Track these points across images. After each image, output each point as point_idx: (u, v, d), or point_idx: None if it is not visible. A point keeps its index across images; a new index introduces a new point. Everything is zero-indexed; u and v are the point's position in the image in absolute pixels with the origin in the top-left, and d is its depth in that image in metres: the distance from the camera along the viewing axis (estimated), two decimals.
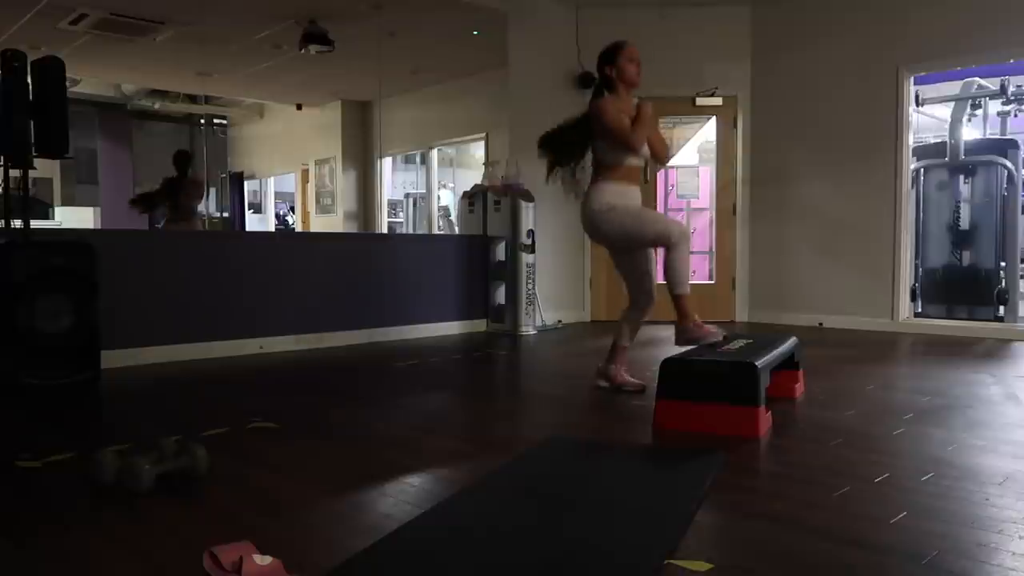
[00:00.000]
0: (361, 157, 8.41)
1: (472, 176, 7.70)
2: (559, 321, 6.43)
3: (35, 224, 3.72)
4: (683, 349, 3.16)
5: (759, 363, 2.69)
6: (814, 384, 3.60)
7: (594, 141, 3.41)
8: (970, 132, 6.60)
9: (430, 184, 8.25)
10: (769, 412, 2.78)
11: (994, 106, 6.70)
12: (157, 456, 2.13)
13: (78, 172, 7.88)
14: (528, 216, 5.86)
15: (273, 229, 9.55)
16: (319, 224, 8.79)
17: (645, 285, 3.49)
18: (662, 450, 2.59)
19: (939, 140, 6.79)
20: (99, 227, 6.94)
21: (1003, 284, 5.87)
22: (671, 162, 7.13)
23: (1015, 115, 6.89)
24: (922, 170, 6.31)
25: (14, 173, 3.64)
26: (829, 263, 6.29)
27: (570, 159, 3.50)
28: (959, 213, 6.15)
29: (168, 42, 6.51)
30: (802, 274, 6.45)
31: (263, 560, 1.54)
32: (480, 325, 6.10)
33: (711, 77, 6.64)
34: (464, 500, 1.99)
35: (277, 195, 9.93)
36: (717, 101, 6.68)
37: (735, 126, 6.75)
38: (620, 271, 3.58)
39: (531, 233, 5.87)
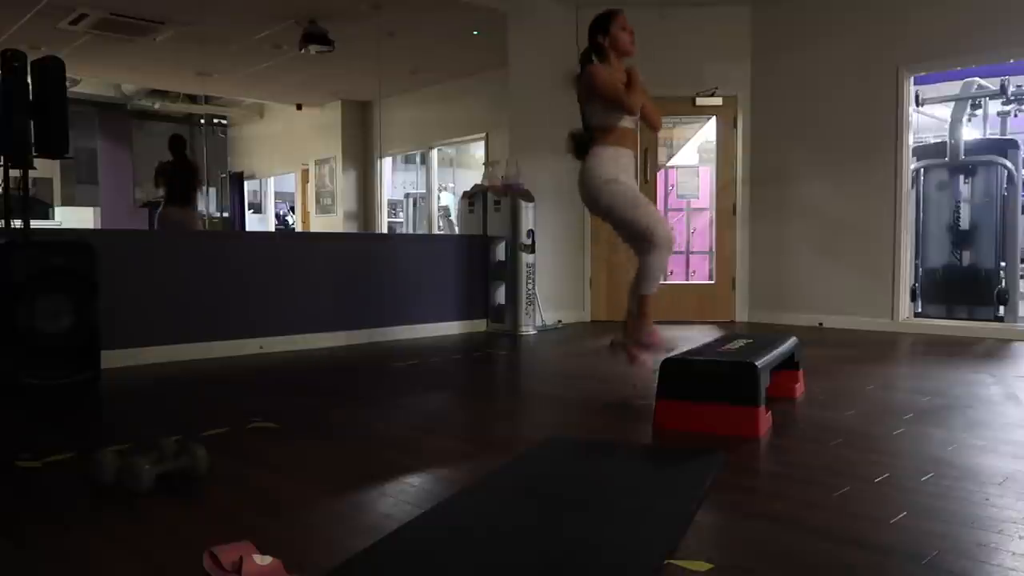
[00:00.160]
0: (361, 157, 8.41)
1: (472, 176, 7.69)
2: (559, 321, 6.43)
3: (35, 224, 3.71)
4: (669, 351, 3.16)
5: (759, 363, 2.68)
6: (814, 384, 3.59)
7: (587, 106, 3.34)
8: (970, 132, 6.60)
9: (430, 184, 8.25)
10: (769, 412, 2.78)
11: (994, 106, 6.70)
12: (157, 456, 2.13)
13: (78, 172, 7.87)
14: (528, 216, 5.86)
15: (273, 229, 9.55)
16: (319, 224, 8.78)
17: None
18: (662, 450, 2.59)
19: (939, 140, 6.79)
20: (99, 227, 6.93)
21: (1003, 284, 5.87)
22: (671, 162, 7.15)
23: (1015, 115, 6.89)
24: (922, 170, 6.31)
25: (14, 173, 3.64)
26: (829, 263, 6.29)
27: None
28: (959, 213, 6.15)
29: (168, 42, 6.50)
30: (802, 274, 6.45)
31: (263, 560, 1.54)
32: (480, 325, 6.10)
33: (711, 77, 6.64)
34: (464, 500, 1.99)
35: (277, 195, 9.93)
36: (717, 101, 6.68)
37: (735, 126, 6.74)
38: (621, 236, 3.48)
39: (531, 233, 5.87)
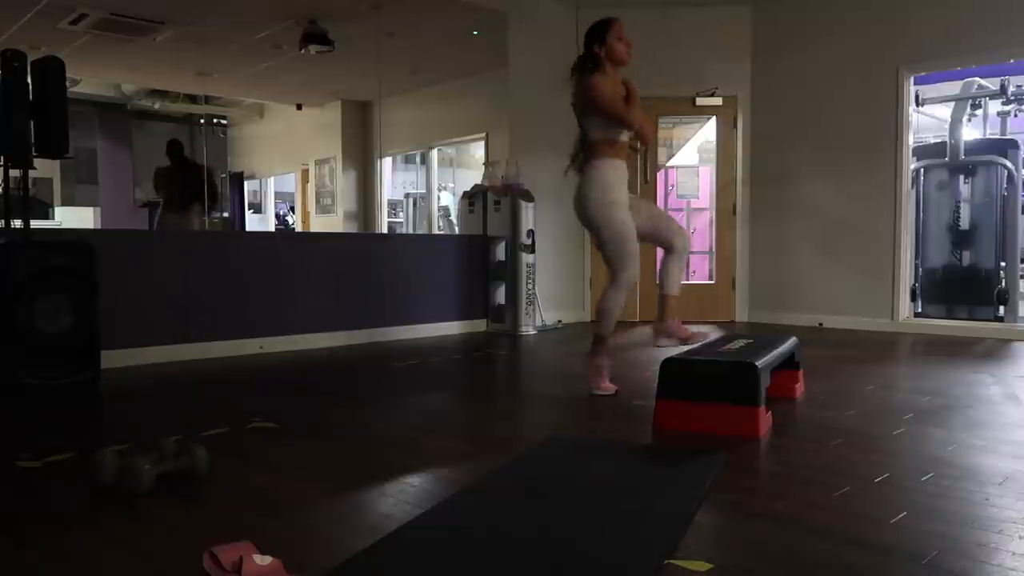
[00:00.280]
0: (361, 157, 8.41)
1: (472, 176, 7.70)
2: (559, 321, 6.43)
3: (35, 224, 3.71)
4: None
5: (759, 363, 2.68)
6: (814, 384, 3.59)
7: (585, 119, 3.33)
8: (970, 132, 6.60)
9: (430, 184, 8.25)
10: (769, 412, 2.78)
11: (994, 106, 6.70)
12: (157, 456, 2.13)
13: (78, 172, 7.87)
14: (528, 216, 5.86)
15: (273, 229, 9.55)
16: (319, 224, 8.79)
17: (667, 233, 3.42)
18: (662, 450, 2.59)
19: (939, 140, 6.79)
20: (99, 227, 6.93)
21: (1003, 284, 5.87)
22: (671, 162, 7.14)
23: (1015, 115, 6.88)
24: (922, 170, 6.31)
25: (14, 173, 3.64)
26: (829, 263, 6.29)
27: None
28: (959, 213, 6.15)
29: (168, 42, 6.50)
30: (802, 274, 6.45)
31: (263, 560, 1.54)
32: (480, 325, 6.10)
33: (711, 77, 6.64)
34: (464, 500, 1.99)
35: (277, 195, 9.94)
36: (717, 101, 6.68)
37: (735, 126, 6.75)
38: (639, 235, 3.48)
39: (531, 233, 5.87)
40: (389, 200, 8.76)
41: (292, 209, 9.89)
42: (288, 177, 9.62)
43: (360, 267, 5.41)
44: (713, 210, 6.93)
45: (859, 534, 1.76)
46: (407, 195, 9.05)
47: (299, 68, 7.30)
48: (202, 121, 8.62)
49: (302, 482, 2.23)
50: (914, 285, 6.24)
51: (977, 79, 6.37)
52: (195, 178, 6.75)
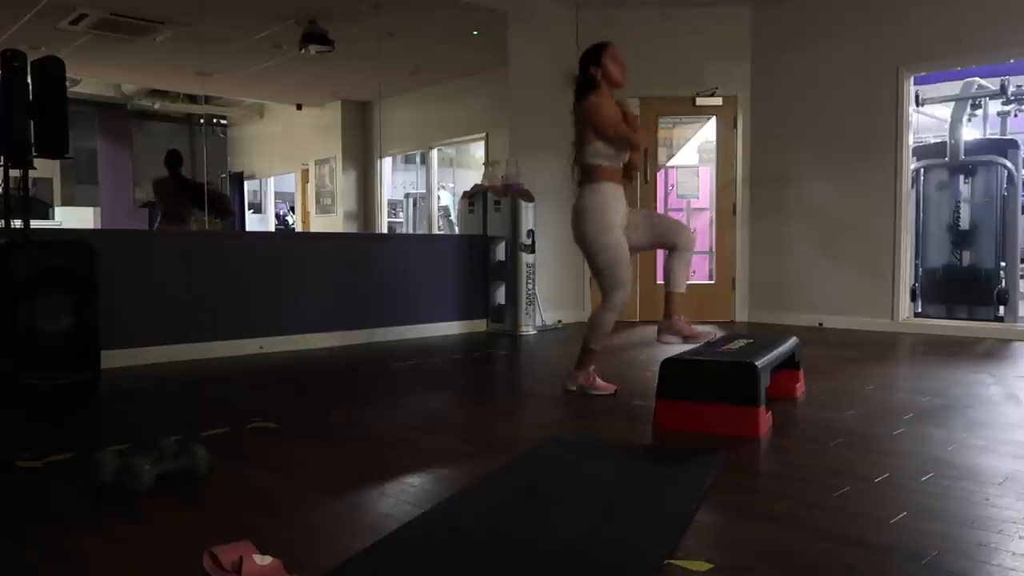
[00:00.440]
0: (361, 157, 8.41)
1: (472, 176, 7.69)
2: (559, 321, 6.43)
3: (35, 224, 3.71)
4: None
5: (759, 363, 2.68)
6: (814, 384, 3.60)
7: (585, 146, 3.31)
8: (970, 132, 6.60)
9: (430, 184, 8.25)
10: (769, 412, 2.78)
11: (994, 106, 6.70)
12: (157, 456, 2.13)
13: (78, 172, 7.87)
14: (528, 216, 5.86)
15: (273, 229, 9.55)
16: (319, 224, 8.78)
17: (668, 235, 3.44)
18: (662, 450, 2.59)
19: (939, 140, 6.79)
20: (99, 227, 6.93)
21: (1003, 284, 5.87)
22: (671, 162, 7.15)
23: (1015, 115, 6.89)
24: (922, 170, 6.31)
25: (14, 173, 3.64)
26: (829, 263, 6.29)
27: None
28: (959, 213, 6.15)
29: (168, 42, 6.50)
30: (802, 274, 6.45)
31: (263, 560, 1.54)
32: (480, 325, 6.10)
33: (711, 77, 6.64)
34: (464, 500, 1.99)
35: (277, 195, 9.93)
36: (717, 101, 6.68)
37: (735, 126, 6.74)
38: (641, 249, 3.55)
39: (531, 233, 5.87)
40: (389, 200, 8.75)
41: (292, 209, 9.88)
42: (288, 177, 9.61)
43: (360, 267, 5.41)
44: (713, 210, 6.93)
45: (859, 534, 1.76)
46: (407, 195, 9.05)
47: (299, 68, 7.29)
48: (202, 121, 8.62)
49: (302, 482, 2.23)
50: (914, 285, 6.24)
51: (977, 79, 6.37)
52: (193, 194, 6.71)
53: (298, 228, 9.46)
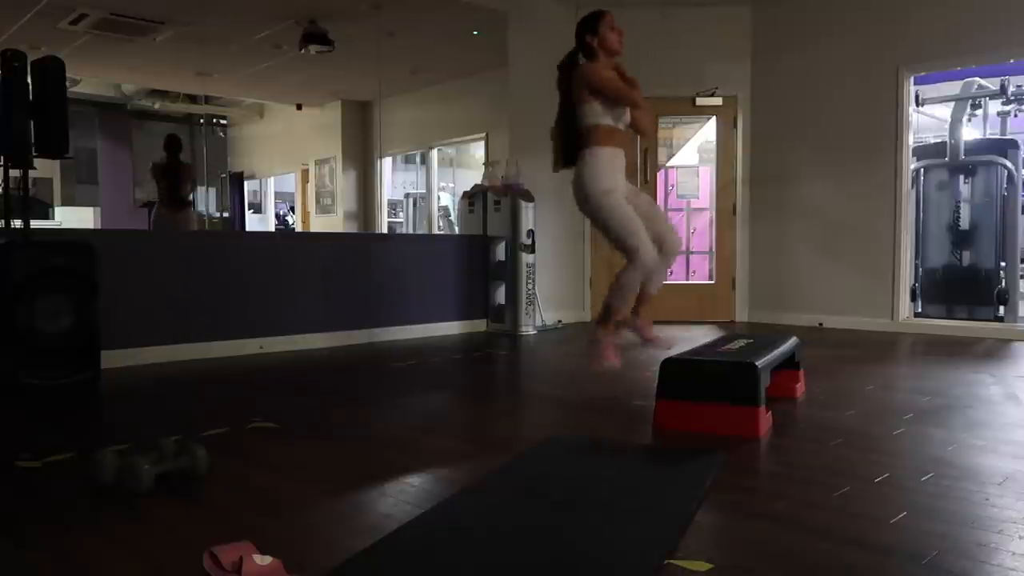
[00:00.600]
0: (361, 157, 8.40)
1: (472, 176, 7.69)
2: (559, 321, 6.43)
3: (35, 224, 3.72)
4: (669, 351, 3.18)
5: (759, 363, 2.68)
6: (814, 384, 3.59)
7: (584, 106, 3.21)
8: (970, 132, 6.60)
9: (430, 184, 8.25)
10: (769, 412, 2.78)
11: (994, 106, 6.70)
12: (157, 456, 2.13)
13: (78, 172, 7.87)
14: (528, 216, 5.86)
15: (273, 229, 9.55)
16: (319, 224, 8.78)
17: (660, 233, 3.29)
18: (662, 450, 2.59)
19: (939, 140, 6.79)
20: (99, 227, 6.93)
21: (1003, 284, 5.87)
22: (671, 162, 7.14)
23: (1015, 115, 6.88)
24: (922, 170, 6.31)
25: (14, 173, 3.64)
26: (829, 263, 6.29)
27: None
28: (959, 213, 6.15)
29: (168, 42, 6.50)
30: (802, 274, 6.45)
31: (263, 560, 1.54)
32: (480, 325, 6.10)
33: (711, 77, 6.64)
34: (464, 500, 1.99)
35: (277, 195, 9.92)
36: (717, 101, 6.68)
37: (735, 126, 6.74)
38: None
39: (531, 233, 5.87)
40: (389, 200, 8.75)
41: (292, 209, 9.88)
42: (288, 177, 9.61)
43: (360, 267, 5.41)
44: (713, 210, 6.93)
45: (859, 534, 1.76)
46: (407, 195, 9.05)
47: (299, 68, 7.29)
48: (202, 121, 8.62)
49: (302, 482, 2.23)
50: (914, 285, 6.24)
51: (977, 79, 6.37)
52: (192, 178, 6.77)
53: (298, 228, 9.46)
